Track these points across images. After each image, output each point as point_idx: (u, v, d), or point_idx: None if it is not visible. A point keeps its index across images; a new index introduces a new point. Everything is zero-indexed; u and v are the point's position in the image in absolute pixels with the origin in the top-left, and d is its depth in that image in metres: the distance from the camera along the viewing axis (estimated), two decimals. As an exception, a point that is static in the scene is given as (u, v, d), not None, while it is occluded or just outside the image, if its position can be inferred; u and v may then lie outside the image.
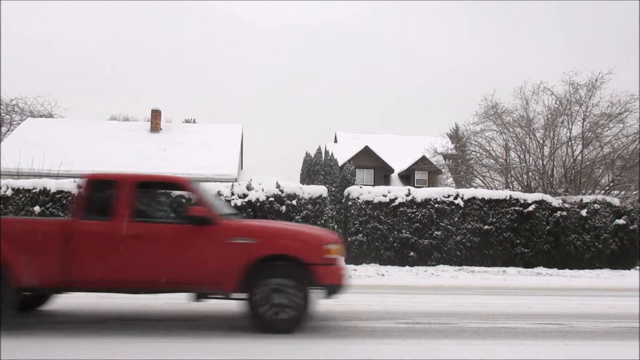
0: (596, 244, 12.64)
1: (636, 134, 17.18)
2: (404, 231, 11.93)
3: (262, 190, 11.51)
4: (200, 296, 4.46)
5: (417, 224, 12.00)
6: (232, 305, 5.23)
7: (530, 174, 19.26)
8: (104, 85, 67.81)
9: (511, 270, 11.26)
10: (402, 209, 12.04)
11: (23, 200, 10.98)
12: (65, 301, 5.73)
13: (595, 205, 12.89)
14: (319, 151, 26.50)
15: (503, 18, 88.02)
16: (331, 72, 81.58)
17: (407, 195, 12.15)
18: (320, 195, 11.72)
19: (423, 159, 28.16)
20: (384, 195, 12.11)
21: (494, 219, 12.28)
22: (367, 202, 12.02)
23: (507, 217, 12.32)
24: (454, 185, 23.57)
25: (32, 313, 4.96)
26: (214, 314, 5.12)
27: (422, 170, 28.95)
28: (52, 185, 11.20)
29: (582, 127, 17.35)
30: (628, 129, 17.43)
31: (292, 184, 12.05)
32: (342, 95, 77.25)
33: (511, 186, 19.77)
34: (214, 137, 23.54)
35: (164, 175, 5.85)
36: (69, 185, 11.21)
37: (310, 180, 24.46)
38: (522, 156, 19.51)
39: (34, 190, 11.08)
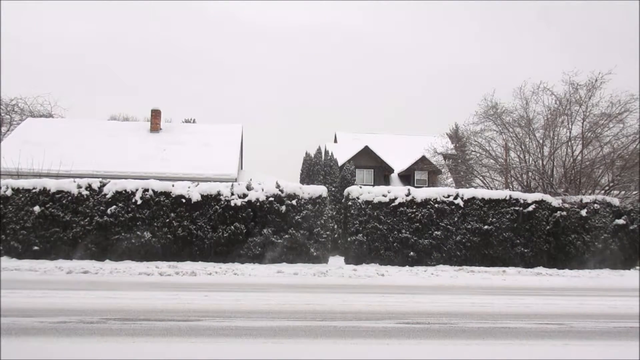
0: (596, 244, 12.64)
1: (636, 134, 17.20)
2: (403, 231, 11.93)
3: (262, 190, 11.52)
4: None
5: (417, 224, 12.00)
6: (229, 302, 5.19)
7: (530, 174, 19.27)
8: (103, 85, 67.84)
9: (511, 270, 11.25)
10: (402, 209, 12.04)
11: (23, 200, 10.98)
12: (66, 301, 5.73)
13: (595, 205, 12.89)
14: (318, 151, 26.48)
15: (503, 18, 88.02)
16: (331, 73, 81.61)
17: (407, 195, 12.15)
18: (320, 195, 11.72)
19: (423, 159, 28.18)
20: (383, 195, 12.11)
21: (494, 219, 12.28)
22: (367, 202, 12.02)
23: (507, 217, 12.32)
24: (454, 185, 23.59)
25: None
26: (216, 312, 5.12)
27: (422, 170, 28.97)
28: (52, 185, 11.20)
29: (582, 127, 17.37)
30: (628, 129, 17.46)
31: (292, 184, 12.04)
32: (342, 96, 77.30)
33: (511, 186, 19.79)
34: (214, 137, 23.55)
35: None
36: (69, 185, 11.21)
37: (310, 180, 24.45)
38: (522, 156, 19.53)
39: (34, 190, 11.08)
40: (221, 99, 74.73)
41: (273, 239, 11.26)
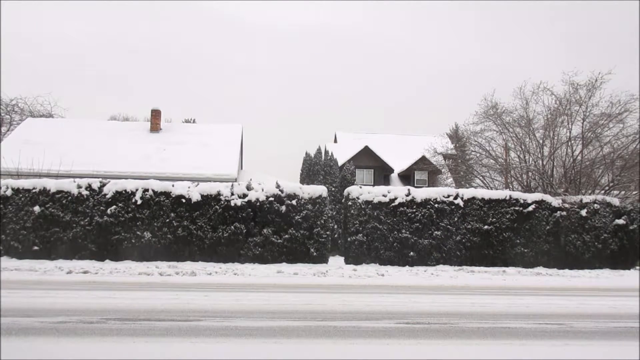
0: (596, 244, 12.64)
1: (636, 134, 17.19)
2: (403, 231, 11.93)
3: (262, 190, 11.51)
4: None
5: (417, 224, 11.99)
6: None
7: (530, 174, 19.27)
8: (103, 85, 67.85)
9: (511, 270, 11.25)
10: (402, 209, 12.03)
11: (23, 200, 10.98)
12: (66, 301, 5.73)
13: (595, 205, 12.88)
14: (318, 151, 26.48)
15: (503, 18, 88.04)
16: (331, 73, 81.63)
17: (407, 195, 12.14)
18: (320, 195, 11.72)
19: (423, 159, 28.20)
20: (383, 195, 12.10)
21: (494, 219, 12.27)
22: (367, 202, 12.01)
23: (507, 217, 12.32)
24: (454, 185, 23.60)
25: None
26: (216, 312, 5.12)
27: (422, 170, 28.98)
28: (52, 185, 11.20)
29: (582, 127, 17.36)
30: (628, 129, 17.46)
31: (292, 184, 12.04)
32: (342, 96, 77.32)
33: (511, 186, 19.79)
34: (214, 137, 23.57)
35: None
36: (69, 185, 11.21)
37: (310, 180, 24.44)
38: (522, 156, 19.53)
39: (34, 190, 11.07)
40: (221, 99, 74.78)
41: (273, 239, 11.26)
